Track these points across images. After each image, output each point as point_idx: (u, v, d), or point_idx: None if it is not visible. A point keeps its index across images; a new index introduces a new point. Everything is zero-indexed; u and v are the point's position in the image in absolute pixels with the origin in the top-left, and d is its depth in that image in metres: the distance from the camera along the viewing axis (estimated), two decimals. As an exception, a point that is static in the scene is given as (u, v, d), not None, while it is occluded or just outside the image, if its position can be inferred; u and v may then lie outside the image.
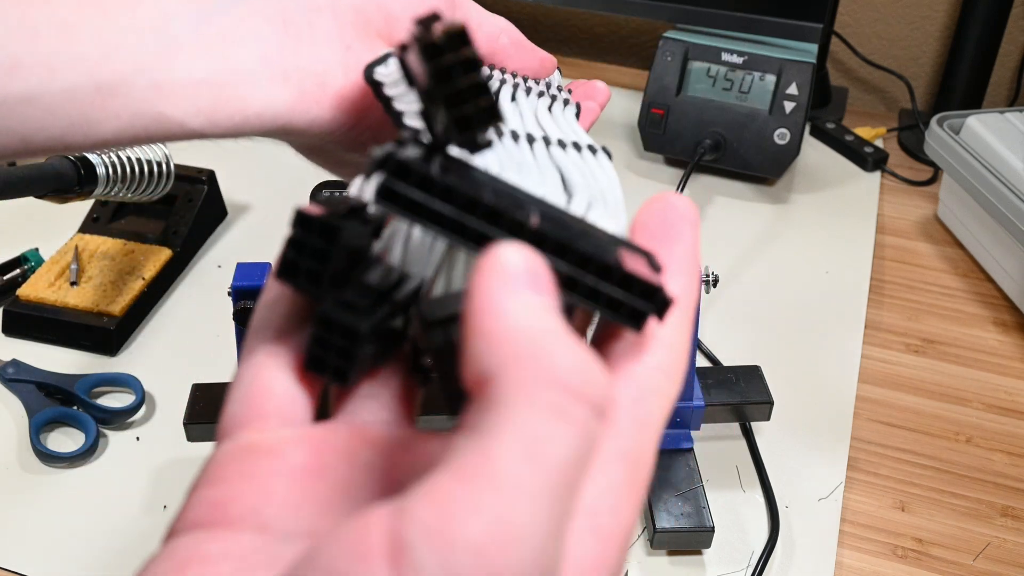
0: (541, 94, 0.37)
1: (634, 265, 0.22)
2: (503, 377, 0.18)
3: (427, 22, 0.22)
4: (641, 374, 0.23)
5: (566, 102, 0.38)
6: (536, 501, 0.17)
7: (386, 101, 0.31)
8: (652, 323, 0.23)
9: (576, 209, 0.25)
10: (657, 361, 0.23)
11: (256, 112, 0.32)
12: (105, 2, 0.30)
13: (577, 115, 0.38)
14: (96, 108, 0.30)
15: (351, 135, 0.35)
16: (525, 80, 0.40)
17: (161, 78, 0.30)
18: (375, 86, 0.32)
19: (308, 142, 0.37)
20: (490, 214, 0.21)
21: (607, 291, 0.22)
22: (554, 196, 0.25)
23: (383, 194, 0.21)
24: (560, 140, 0.31)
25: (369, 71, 0.32)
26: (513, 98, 0.35)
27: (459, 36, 0.21)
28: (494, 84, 0.37)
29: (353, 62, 0.34)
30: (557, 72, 0.42)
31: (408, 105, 0.29)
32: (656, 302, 0.22)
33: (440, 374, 0.23)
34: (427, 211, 0.21)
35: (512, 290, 0.19)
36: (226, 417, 0.24)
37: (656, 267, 0.24)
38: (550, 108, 0.36)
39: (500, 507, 0.17)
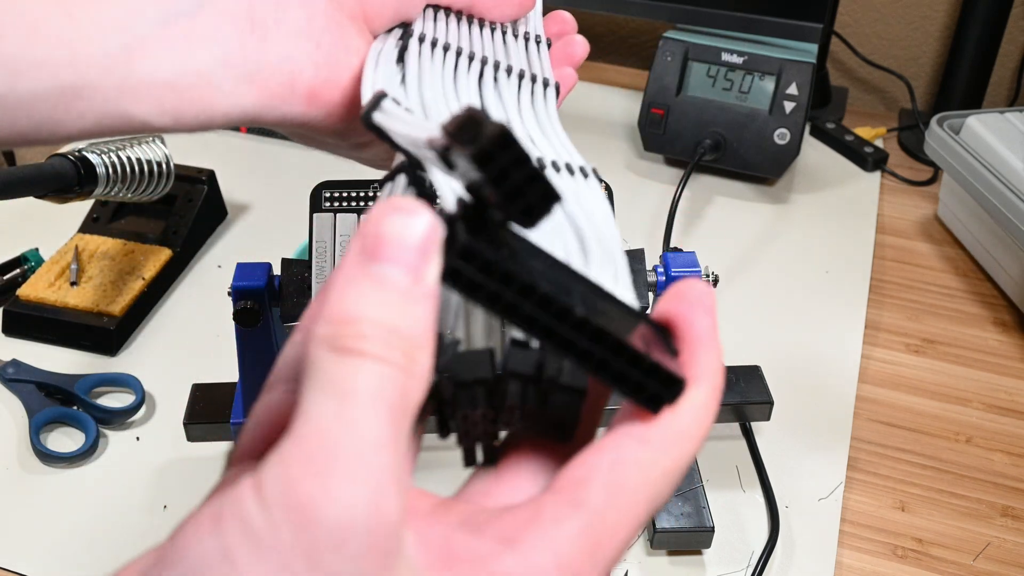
0: (522, 75, 0.38)
1: (657, 353, 0.25)
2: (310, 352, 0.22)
3: (463, 127, 0.22)
4: (626, 446, 0.24)
5: (546, 83, 0.38)
6: (360, 432, 0.20)
7: (389, 140, 0.31)
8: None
9: (600, 279, 0.27)
10: (657, 435, 0.25)
11: (223, 112, 0.32)
12: (71, 3, 0.30)
13: (557, 92, 0.39)
14: (61, 109, 0.30)
15: (327, 126, 0.35)
16: (504, 33, 0.40)
17: (126, 80, 0.30)
18: (376, 131, 0.31)
19: (287, 130, 0.37)
20: (542, 300, 0.23)
21: (634, 376, 0.24)
22: (572, 256, 0.27)
23: (450, 276, 0.22)
24: (554, 162, 0.32)
25: (368, 118, 0.31)
26: (497, 87, 0.36)
27: (504, 138, 0.21)
28: (475, 66, 0.37)
29: (323, 58, 0.34)
30: (538, 5, 0.42)
31: (412, 133, 0.29)
32: (673, 390, 0.24)
33: (463, 431, 0.24)
34: (487, 292, 0.23)
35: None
36: None
37: (672, 348, 0.26)
38: (533, 103, 0.37)
39: (324, 465, 0.20)
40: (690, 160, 0.91)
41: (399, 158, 0.32)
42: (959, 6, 1.06)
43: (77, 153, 0.65)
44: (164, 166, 0.74)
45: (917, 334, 0.80)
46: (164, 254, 0.80)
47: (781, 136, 0.92)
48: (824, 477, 0.66)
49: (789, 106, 0.91)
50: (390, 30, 0.37)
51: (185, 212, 0.83)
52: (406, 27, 0.37)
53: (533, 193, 0.22)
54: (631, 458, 0.24)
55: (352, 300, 0.22)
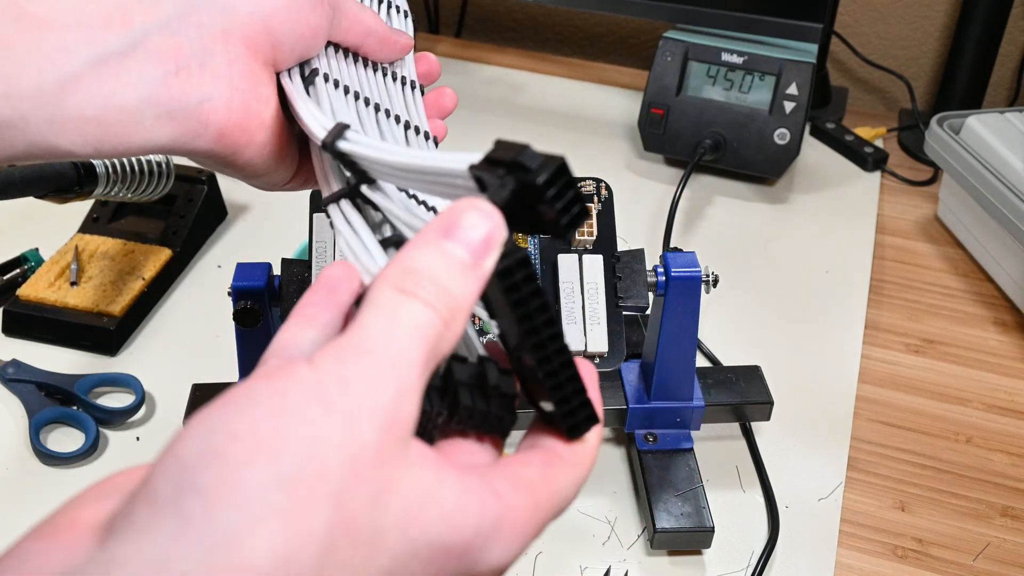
0: (407, 126, 0.43)
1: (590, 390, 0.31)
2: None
3: (525, 156, 0.28)
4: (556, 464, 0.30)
5: (427, 136, 0.44)
6: (400, 346, 0.26)
7: (349, 163, 0.37)
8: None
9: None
10: (574, 458, 0.31)
11: (139, 145, 0.35)
12: (11, 37, 0.32)
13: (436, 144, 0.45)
14: None
15: (230, 161, 0.39)
16: (384, 75, 0.45)
17: (56, 114, 0.33)
18: (339, 156, 0.37)
19: (191, 159, 0.40)
20: (549, 321, 0.29)
21: (572, 404, 0.30)
22: None
23: (503, 273, 0.28)
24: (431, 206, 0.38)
25: (333, 147, 0.36)
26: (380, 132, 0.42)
27: (566, 164, 0.28)
28: (371, 110, 0.42)
29: (238, 103, 0.37)
30: (410, 54, 0.48)
31: (388, 158, 0.34)
32: (591, 424, 0.31)
33: (420, 425, 0.29)
34: (519, 297, 0.29)
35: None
36: None
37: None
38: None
39: (367, 356, 0.25)
40: (690, 160, 0.91)
41: (332, 184, 0.38)
42: (959, 6, 1.06)
43: None
44: (164, 166, 0.74)
45: (917, 334, 0.80)
46: (164, 254, 0.80)
47: (781, 136, 0.92)
48: (824, 477, 0.66)
49: (789, 106, 0.91)
50: (290, 68, 0.41)
51: (185, 212, 0.83)
52: (303, 64, 0.41)
53: (577, 210, 0.29)
54: (558, 470, 0.30)
55: (421, 259, 0.27)
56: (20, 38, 0.32)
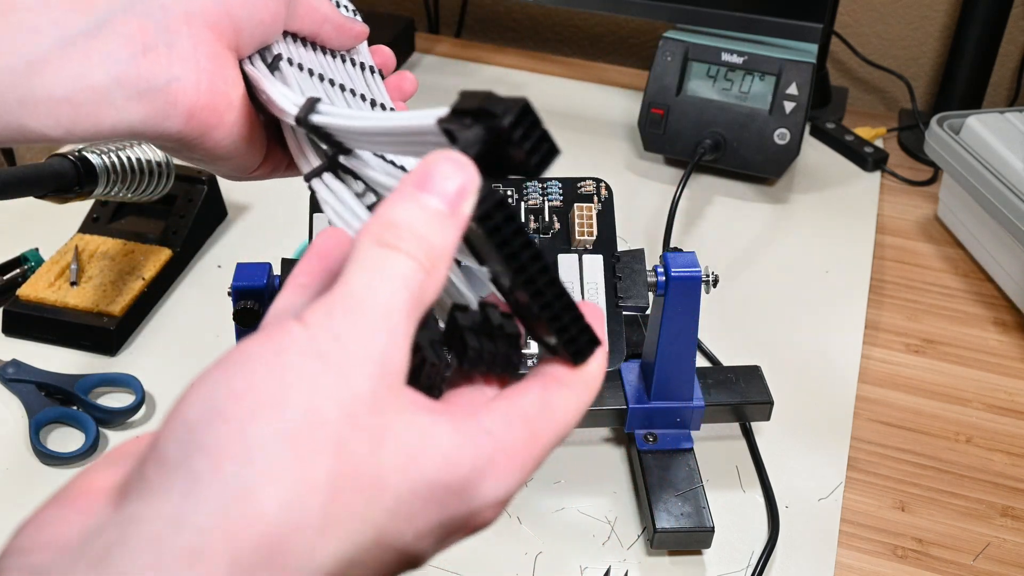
0: (373, 103, 0.44)
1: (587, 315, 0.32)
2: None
3: (489, 103, 0.29)
4: (554, 389, 0.31)
5: (383, 107, 0.45)
6: (385, 297, 0.27)
7: (324, 135, 0.37)
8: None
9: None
10: (577, 381, 0.32)
11: (111, 126, 0.36)
12: None
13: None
14: None
15: (199, 143, 0.39)
16: (343, 61, 0.46)
17: (27, 95, 0.34)
18: (313, 129, 0.37)
19: (162, 144, 0.40)
20: (536, 255, 0.30)
21: (572, 332, 0.31)
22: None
23: (483, 218, 0.29)
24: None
25: (307, 120, 0.37)
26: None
27: (529, 105, 0.28)
28: (336, 89, 0.43)
29: (205, 82, 0.38)
30: (365, 42, 0.49)
31: (364, 124, 0.35)
32: (593, 348, 0.32)
33: (426, 377, 0.30)
34: (503, 237, 0.29)
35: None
36: None
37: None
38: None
39: (355, 309, 0.27)
40: (690, 160, 0.91)
41: (310, 159, 0.39)
42: (959, 6, 1.06)
43: (77, 153, 0.65)
44: (164, 166, 0.74)
45: (917, 334, 0.80)
46: (164, 254, 0.80)
47: (781, 136, 0.92)
48: (824, 477, 0.66)
49: (789, 106, 0.91)
50: (251, 56, 0.42)
51: (185, 212, 0.83)
52: (264, 51, 0.42)
53: (547, 149, 0.29)
54: (557, 395, 0.31)
55: (398, 212, 0.28)
56: None
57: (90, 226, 0.82)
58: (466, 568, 0.60)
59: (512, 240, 0.29)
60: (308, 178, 0.38)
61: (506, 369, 0.32)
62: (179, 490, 0.23)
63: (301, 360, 0.25)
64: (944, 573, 0.61)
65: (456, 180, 0.29)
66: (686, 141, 0.95)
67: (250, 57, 0.42)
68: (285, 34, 0.43)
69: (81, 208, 0.83)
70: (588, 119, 1.07)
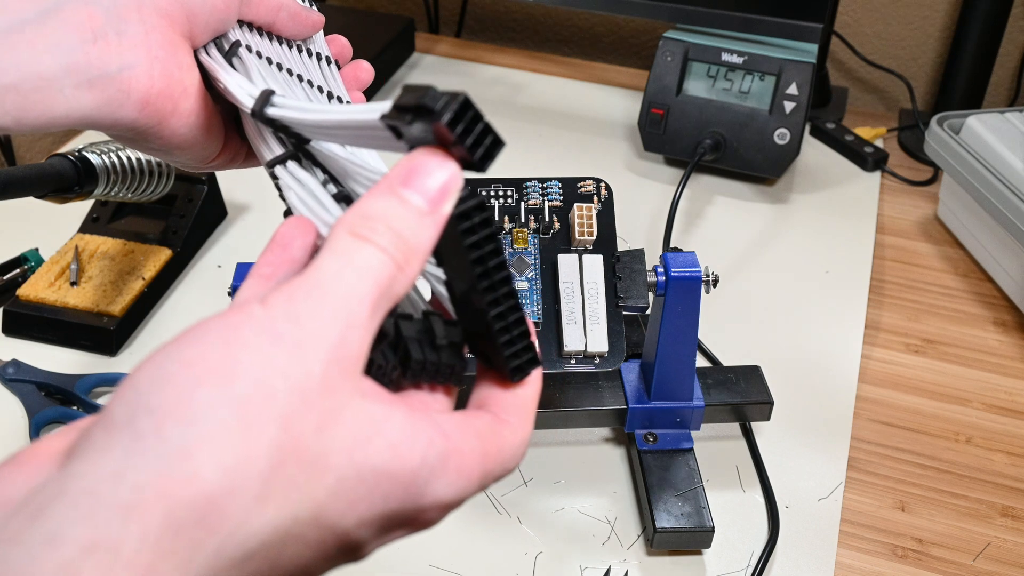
0: (331, 96, 0.44)
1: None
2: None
3: (428, 99, 0.28)
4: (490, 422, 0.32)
5: (340, 100, 0.45)
6: (350, 285, 0.27)
7: (282, 128, 0.38)
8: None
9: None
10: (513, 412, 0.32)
11: (63, 114, 0.36)
12: None
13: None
14: None
15: (156, 132, 0.39)
16: (300, 51, 0.46)
17: None
18: (269, 122, 0.38)
19: (118, 134, 0.40)
20: (501, 264, 0.30)
21: (517, 346, 0.32)
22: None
23: (460, 217, 0.29)
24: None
25: (262, 113, 0.37)
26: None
27: (468, 100, 0.28)
28: (294, 79, 0.43)
29: (158, 70, 0.37)
30: (321, 32, 0.48)
31: (319, 118, 0.34)
32: (534, 365, 0.32)
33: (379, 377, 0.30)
34: (476, 241, 0.30)
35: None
36: None
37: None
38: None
39: (318, 294, 0.27)
40: (690, 160, 0.91)
41: (272, 147, 0.39)
42: (959, 6, 1.06)
43: (77, 153, 0.65)
44: (164, 166, 0.74)
45: (917, 334, 0.80)
46: (164, 254, 0.80)
47: (781, 136, 0.92)
48: (824, 477, 0.66)
49: (789, 106, 0.91)
50: (207, 45, 0.42)
51: (185, 212, 0.83)
52: (220, 40, 0.42)
53: (490, 141, 0.29)
54: (507, 429, 0.31)
55: (377, 205, 0.29)
56: None
57: (90, 226, 0.82)
58: (466, 568, 0.60)
59: (484, 243, 0.30)
60: (270, 165, 0.38)
61: (449, 380, 0.32)
62: (121, 447, 0.24)
63: (256, 337, 0.26)
64: (944, 573, 0.61)
65: (439, 178, 0.29)
66: (686, 141, 0.95)
67: (206, 47, 0.41)
68: (241, 23, 0.43)
69: (81, 208, 0.83)
70: (588, 119, 1.07)
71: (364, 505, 0.27)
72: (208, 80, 0.41)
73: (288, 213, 0.37)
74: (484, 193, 0.61)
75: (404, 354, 0.30)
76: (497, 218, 0.61)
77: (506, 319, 0.31)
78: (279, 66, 0.43)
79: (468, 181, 0.29)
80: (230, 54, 0.41)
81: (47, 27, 0.34)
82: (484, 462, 0.30)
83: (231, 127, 0.44)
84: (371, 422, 0.27)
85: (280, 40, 0.45)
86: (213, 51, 0.42)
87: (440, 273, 0.33)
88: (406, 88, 0.29)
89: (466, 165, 0.29)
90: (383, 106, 0.30)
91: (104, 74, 0.36)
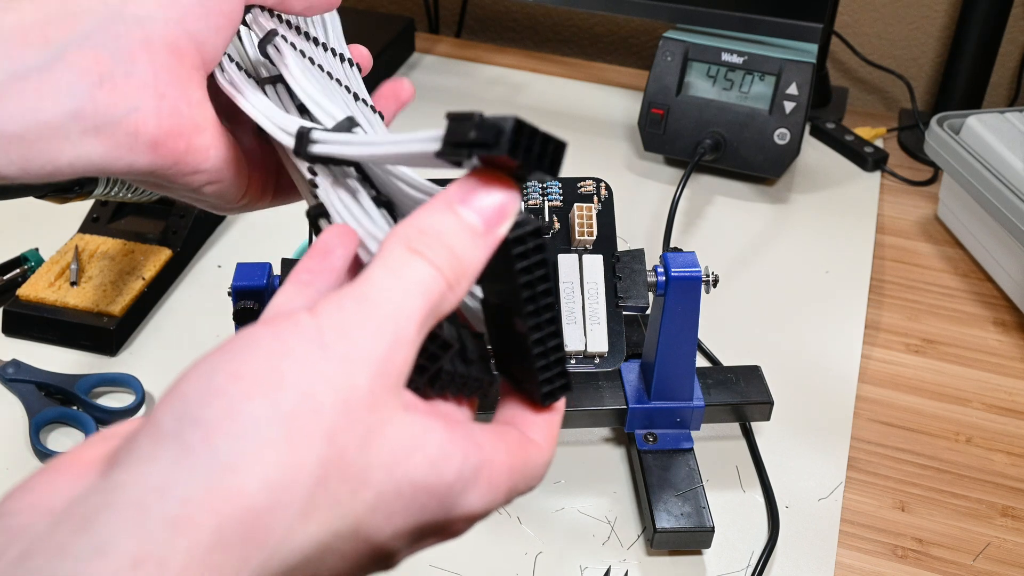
0: (365, 101, 0.42)
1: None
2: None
3: (482, 128, 0.28)
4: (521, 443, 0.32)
5: (374, 111, 0.43)
6: (400, 300, 0.27)
7: (331, 161, 0.36)
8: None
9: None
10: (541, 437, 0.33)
11: (69, 162, 0.34)
12: None
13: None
14: None
15: (175, 173, 0.37)
16: (324, 47, 0.43)
17: None
18: (316, 159, 0.36)
19: (139, 180, 0.38)
20: (547, 291, 0.30)
21: (553, 371, 0.32)
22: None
23: (516, 241, 0.29)
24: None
25: (306, 152, 0.36)
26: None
27: (520, 122, 0.28)
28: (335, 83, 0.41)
29: (167, 109, 0.36)
30: (337, 21, 0.46)
31: (364, 152, 0.34)
32: (566, 391, 0.32)
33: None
34: (528, 265, 0.30)
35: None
36: None
37: None
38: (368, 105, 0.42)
39: (368, 307, 0.27)
40: (690, 160, 0.91)
41: (304, 190, 0.37)
42: (959, 6, 1.06)
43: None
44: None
45: (917, 334, 0.80)
46: (164, 254, 0.80)
47: (781, 136, 0.92)
48: (824, 477, 0.66)
49: (789, 106, 0.91)
50: (221, 64, 0.40)
51: (185, 212, 0.83)
52: (261, 43, 0.40)
53: (553, 148, 0.29)
54: (534, 447, 0.32)
55: (435, 221, 0.29)
56: None
57: (90, 226, 0.82)
58: (466, 568, 0.60)
59: (535, 269, 0.30)
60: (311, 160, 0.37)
61: (475, 393, 0.32)
62: (168, 459, 0.24)
63: (304, 347, 0.26)
64: (944, 573, 0.61)
65: (497, 199, 0.29)
66: (686, 141, 0.95)
67: (223, 66, 0.40)
68: (249, 8, 0.41)
69: (81, 208, 0.83)
70: (588, 119, 1.07)
71: (400, 518, 0.27)
72: (220, 104, 0.39)
73: (312, 213, 0.37)
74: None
75: (435, 366, 0.30)
76: None
77: (545, 344, 0.31)
78: (311, 60, 0.41)
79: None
80: (266, 41, 0.40)
81: (53, 73, 0.33)
82: (511, 476, 0.30)
83: (256, 158, 0.42)
84: (412, 437, 0.27)
85: (299, 31, 0.43)
86: (232, 69, 0.40)
87: (477, 290, 0.33)
88: (452, 118, 0.29)
89: (539, 176, 0.29)
90: (434, 139, 0.29)
91: (110, 120, 0.34)
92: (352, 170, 0.36)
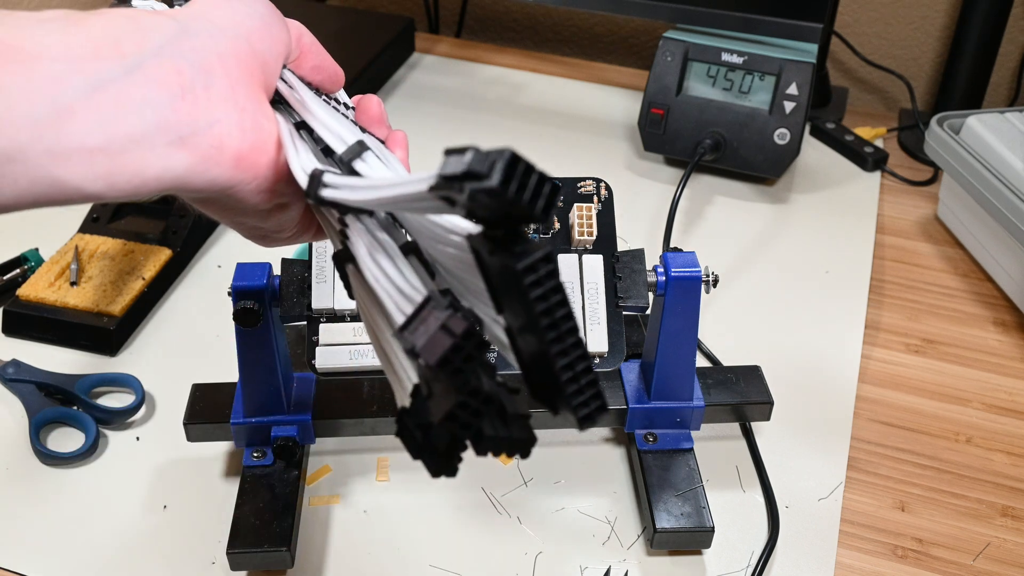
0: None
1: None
2: None
3: (477, 163, 0.28)
4: None
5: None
6: None
7: (338, 207, 0.36)
8: None
9: None
10: None
11: (155, 176, 0.33)
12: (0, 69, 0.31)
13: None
14: None
15: (252, 190, 0.37)
16: (337, 103, 0.45)
17: (56, 145, 0.31)
18: (326, 203, 0.36)
19: (207, 196, 0.38)
20: (568, 315, 0.30)
21: (587, 394, 0.31)
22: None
23: (529, 269, 0.29)
24: None
25: (316, 195, 0.36)
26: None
27: (515, 156, 0.27)
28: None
29: (249, 123, 0.36)
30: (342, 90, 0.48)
31: (370, 196, 0.34)
32: (601, 412, 0.32)
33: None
34: (546, 291, 0.29)
35: None
36: None
37: None
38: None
39: None
40: (690, 160, 0.91)
41: (332, 225, 0.38)
42: (959, 6, 1.06)
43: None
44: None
45: (917, 334, 0.80)
46: (164, 254, 0.80)
47: (781, 136, 0.92)
48: (824, 477, 0.66)
49: (789, 106, 0.91)
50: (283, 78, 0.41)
51: (185, 212, 0.83)
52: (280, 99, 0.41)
53: (548, 191, 0.28)
54: None
55: None
56: (6, 70, 0.31)
57: (90, 226, 0.82)
58: (466, 568, 0.60)
59: (550, 296, 0.29)
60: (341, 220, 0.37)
61: (516, 451, 0.32)
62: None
63: None
64: (944, 573, 0.61)
65: None
66: (686, 141, 0.95)
67: (290, 81, 0.41)
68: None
69: (81, 208, 0.83)
70: (588, 119, 1.07)
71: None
72: None
73: (339, 257, 0.37)
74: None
75: (476, 430, 0.30)
76: None
77: (574, 368, 0.30)
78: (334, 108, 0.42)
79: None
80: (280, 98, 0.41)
81: (132, 85, 0.33)
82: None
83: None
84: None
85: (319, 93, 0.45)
86: (297, 84, 0.41)
87: (501, 319, 0.32)
88: (447, 153, 0.29)
89: (531, 220, 0.28)
90: (431, 176, 0.29)
91: (195, 131, 0.34)
92: (381, 212, 0.36)
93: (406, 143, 0.45)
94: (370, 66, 1.07)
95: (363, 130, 0.43)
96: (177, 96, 0.34)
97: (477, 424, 0.30)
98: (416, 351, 0.30)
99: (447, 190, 0.28)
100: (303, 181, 0.36)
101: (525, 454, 0.32)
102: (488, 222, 0.29)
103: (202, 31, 0.36)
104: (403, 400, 0.33)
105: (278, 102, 0.41)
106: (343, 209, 0.36)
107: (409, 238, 0.36)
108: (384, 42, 1.11)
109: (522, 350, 0.32)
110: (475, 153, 0.28)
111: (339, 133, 0.39)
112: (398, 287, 0.33)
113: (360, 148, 0.37)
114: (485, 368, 0.31)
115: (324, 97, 0.44)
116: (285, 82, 0.41)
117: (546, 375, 0.31)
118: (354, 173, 0.37)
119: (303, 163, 0.37)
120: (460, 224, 0.32)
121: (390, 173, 0.37)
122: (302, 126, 0.40)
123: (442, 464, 0.32)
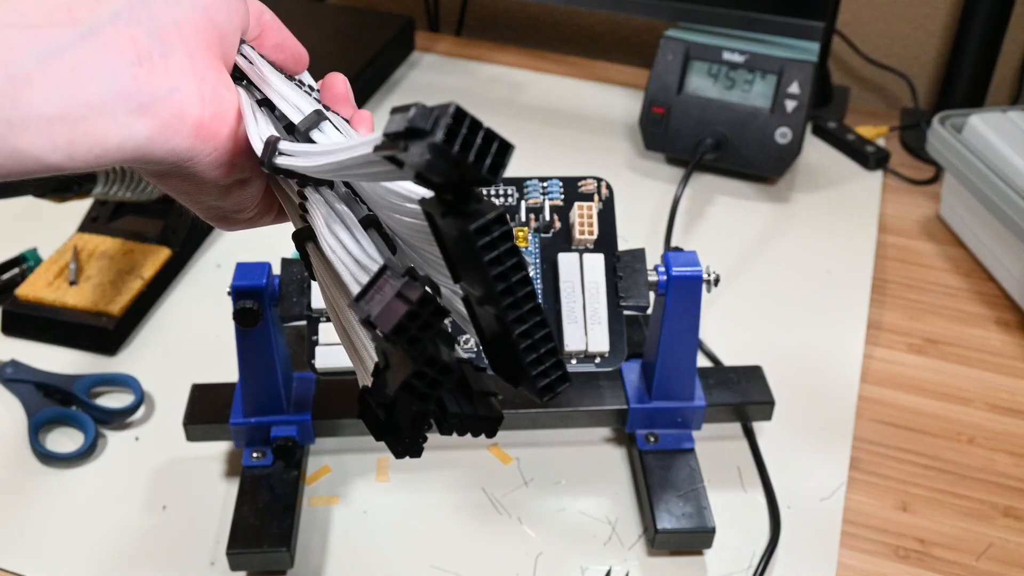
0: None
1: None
2: None
3: (419, 118, 0.27)
4: None
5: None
6: None
7: (294, 175, 0.36)
8: None
9: None
10: None
11: (116, 145, 0.33)
12: None
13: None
14: None
15: (212, 160, 0.37)
16: (301, 84, 0.44)
17: (13, 115, 0.31)
18: (280, 171, 0.36)
19: (165, 169, 0.37)
20: (526, 278, 0.29)
21: (546, 363, 0.30)
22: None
23: (480, 231, 0.28)
24: None
25: (271, 164, 0.36)
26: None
27: (460, 109, 0.26)
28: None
29: (208, 92, 0.35)
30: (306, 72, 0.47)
31: (321, 161, 0.33)
32: (564, 382, 0.31)
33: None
34: (499, 255, 0.28)
35: None
36: None
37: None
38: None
39: None
40: (691, 159, 0.91)
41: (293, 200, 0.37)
42: (961, 4, 1.05)
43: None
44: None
45: (919, 334, 0.80)
46: (163, 254, 0.80)
47: (783, 135, 0.92)
48: (826, 477, 0.66)
49: (791, 105, 0.91)
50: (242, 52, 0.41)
51: (185, 211, 0.83)
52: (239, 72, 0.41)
53: (496, 148, 0.26)
54: None
55: None
56: None
57: (89, 225, 0.82)
58: (466, 568, 0.60)
59: (505, 259, 0.28)
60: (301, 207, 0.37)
61: (482, 430, 0.31)
62: None
63: None
64: (946, 574, 0.61)
65: None
66: (687, 140, 0.94)
67: (248, 55, 0.40)
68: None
69: (80, 207, 0.83)
70: (589, 118, 1.07)
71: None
72: None
73: (298, 236, 0.36)
74: (485, 192, 0.61)
75: (438, 406, 0.30)
76: None
77: (532, 336, 0.29)
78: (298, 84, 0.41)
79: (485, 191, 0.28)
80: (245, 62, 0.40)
81: (88, 52, 0.32)
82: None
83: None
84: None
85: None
86: (256, 57, 0.40)
87: (458, 289, 0.32)
88: (393, 111, 0.27)
89: (479, 181, 0.27)
90: (375, 138, 0.28)
91: (155, 98, 0.33)
92: (340, 185, 0.36)
93: (371, 122, 0.44)
94: (370, 65, 1.07)
95: (327, 108, 0.42)
96: (135, 63, 0.33)
97: (436, 394, 0.29)
98: (371, 320, 0.28)
99: (392, 149, 0.27)
100: (259, 149, 0.36)
101: (491, 433, 0.31)
102: (440, 187, 0.28)
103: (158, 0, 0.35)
104: (364, 380, 0.33)
105: (239, 78, 0.40)
106: (302, 181, 0.35)
107: (369, 212, 0.35)
108: (384, 41, 1.11)
109: (481, 321, 0.31)
110: (418, 109, 0.26)
111: (297, 104, 0.38)
112: (355, 258, 0.32)
113: (318, 117, 0.37)
114: (443, 337, 0.30)
115: (288, 79, 0.44)
116: (245, 57, 0.40)
117: (505, 346, 0.30)
118: (311, 143, 0.37)
119: (261, 133, 0.36)
120: (415, 191, 0.31)
121: (343, 138, 0.36)
122: (264, 103, 0.40)
123: (406, 445, 0.31)
